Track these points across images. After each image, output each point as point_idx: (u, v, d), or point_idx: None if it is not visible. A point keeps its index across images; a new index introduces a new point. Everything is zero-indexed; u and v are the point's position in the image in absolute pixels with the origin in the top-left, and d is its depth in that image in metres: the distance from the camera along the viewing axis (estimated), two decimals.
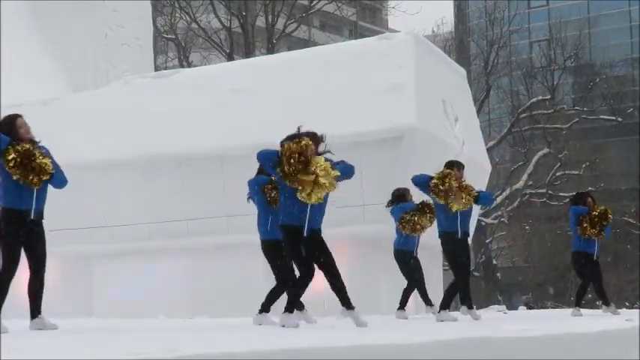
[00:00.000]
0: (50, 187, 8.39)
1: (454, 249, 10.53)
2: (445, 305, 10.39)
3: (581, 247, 12.44)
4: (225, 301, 13.66)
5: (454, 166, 10.76)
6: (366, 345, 4.97)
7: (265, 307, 9.68)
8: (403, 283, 13.32)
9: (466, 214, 10.57)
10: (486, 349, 5.51)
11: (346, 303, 8.43)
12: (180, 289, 14.20)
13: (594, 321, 9.21)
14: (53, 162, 8.28)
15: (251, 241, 13.82)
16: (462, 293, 10.93)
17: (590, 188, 44.20)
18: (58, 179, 8.37)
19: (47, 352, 4.05)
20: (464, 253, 10.71)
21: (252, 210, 13.82)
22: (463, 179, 10.70)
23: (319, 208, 8.29)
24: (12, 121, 8.28)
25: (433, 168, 13.14)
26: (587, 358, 6.22)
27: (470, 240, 11.38)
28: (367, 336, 5.93)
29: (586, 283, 12.60)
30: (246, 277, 13.95)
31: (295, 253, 8.34)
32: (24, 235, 8.11)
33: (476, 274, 45.49)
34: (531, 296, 35.64)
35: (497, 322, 9.72)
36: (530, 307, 28.75)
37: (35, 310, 8.18)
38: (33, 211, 8.12)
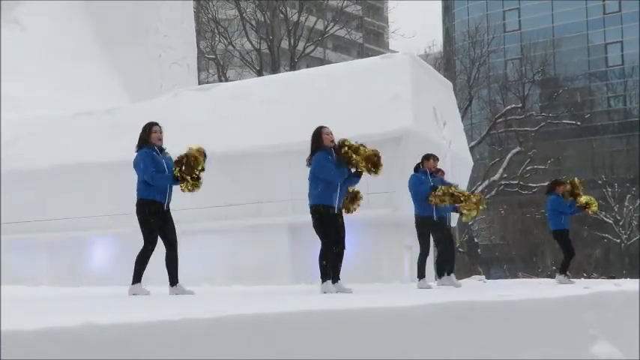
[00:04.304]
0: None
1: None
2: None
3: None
4: (255, 272, 13.68)
5: (430, 157, 10.58)
6: (368, 308, 4.92)
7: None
8: (400, 254, 13.26)
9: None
10: (470, 311, 5.49)
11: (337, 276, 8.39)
12: (220, 262, 14.22)
13: (558, 289, 9.17)
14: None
15: (277, 222, 13.89)
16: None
17: (550, 182, 44.11)
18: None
19: (117, 314, 4.06)
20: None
21: (277, 197, 13.87)
22: (439, 169, 10.61)
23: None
24: (150, 127, 8.56)
25: None
26: (554, 318, 6.20)
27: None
28: (370, 299, 5.90)
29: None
30: (273, 253, 13.98)
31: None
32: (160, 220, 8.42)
33: (460, 249, 45.43)
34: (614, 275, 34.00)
35: (478, 289, 9.68)
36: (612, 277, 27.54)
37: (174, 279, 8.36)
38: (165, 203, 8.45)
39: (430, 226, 10.37)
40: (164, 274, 8.41)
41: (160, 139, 8.49)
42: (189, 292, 8.19)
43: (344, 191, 8.65)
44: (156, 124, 8.58)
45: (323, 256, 8.31)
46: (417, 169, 10.76)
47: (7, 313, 4.10)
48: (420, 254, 10.39)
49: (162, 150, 8.51)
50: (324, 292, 8.00)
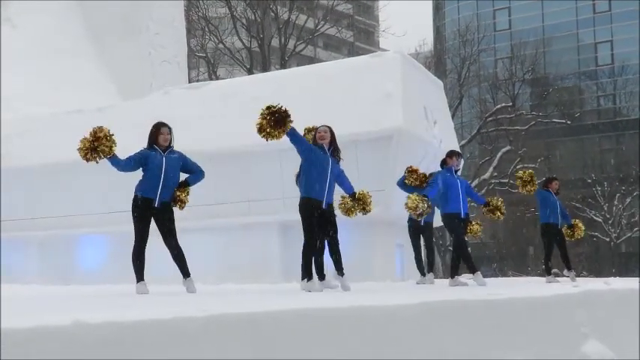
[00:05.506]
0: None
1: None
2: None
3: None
4: (246, 270, 13.67)
5: (454, 154, 10.56)
6: (361, 306, 4.92)
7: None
8: (392, 253, 13.22)
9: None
10: (463, 310, 5.50)
11: (340, 269, 8.47)
12: (211, 261, 14.20)
13: (548, 287, 9.20)
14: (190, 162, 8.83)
15: (267, 221, 13.88)
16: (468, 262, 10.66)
17: (544, 179, 44.22)
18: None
19: (109, 312, 4.05)
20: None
21: (267, 196, 13.86)
22: (458, 168, 10.58)
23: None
24: (157, 128, 8.56)
25: (416, 161, 13.17)
26: (546, 316, 6.22)
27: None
28: (363, 298, 5.90)
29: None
30: (263, 251, 13.96)
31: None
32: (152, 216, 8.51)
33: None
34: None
35: (470, 288, 9.71)
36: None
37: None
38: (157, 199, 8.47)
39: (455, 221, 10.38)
40: (157, 272, 8.44)
41: (167, 140, 8.46)
42: (191, 291, 8.28)
43: (333, 187, 8.67)
44: (164, 125, 8.57)
45: (305, 254, 8.35)
46: (442, 165, 10.69)
47: (2, 311, 4.09)
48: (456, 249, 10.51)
49: (167, 150, 8.49)
50: (309, 291, 8.01)
